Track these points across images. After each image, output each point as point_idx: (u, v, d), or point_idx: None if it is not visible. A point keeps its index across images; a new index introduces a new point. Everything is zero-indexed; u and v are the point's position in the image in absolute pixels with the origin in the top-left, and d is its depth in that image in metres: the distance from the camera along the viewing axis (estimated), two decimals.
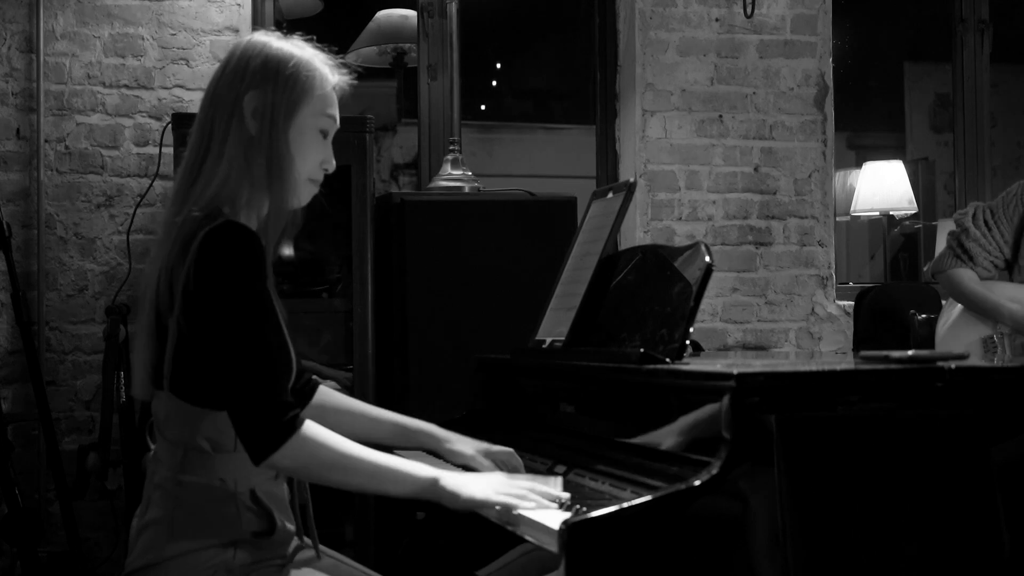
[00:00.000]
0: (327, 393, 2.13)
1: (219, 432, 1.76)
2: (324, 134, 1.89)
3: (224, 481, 1.78)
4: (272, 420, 1.68)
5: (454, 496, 1.77)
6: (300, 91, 1.84)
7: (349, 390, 3.35)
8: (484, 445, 2.11)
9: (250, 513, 1.79)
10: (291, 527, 1.87)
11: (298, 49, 1.88)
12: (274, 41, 1.88)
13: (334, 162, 1.92)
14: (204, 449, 1.78)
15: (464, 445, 2.12)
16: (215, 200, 1.79)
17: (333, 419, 2.02)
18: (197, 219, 1.75)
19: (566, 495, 1.78)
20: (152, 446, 1.91)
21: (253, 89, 1.82)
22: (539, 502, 1.74)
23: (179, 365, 1.76)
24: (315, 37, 1.94)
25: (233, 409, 1.71)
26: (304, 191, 1.88)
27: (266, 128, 1.81)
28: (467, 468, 2.04)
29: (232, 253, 1.72)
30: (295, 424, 1.69)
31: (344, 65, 1.94)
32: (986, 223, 3.34)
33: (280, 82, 1.82)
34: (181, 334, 1.73)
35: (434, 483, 1.77)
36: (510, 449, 2.10)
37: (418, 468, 1.80)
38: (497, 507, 1.75)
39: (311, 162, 1.87)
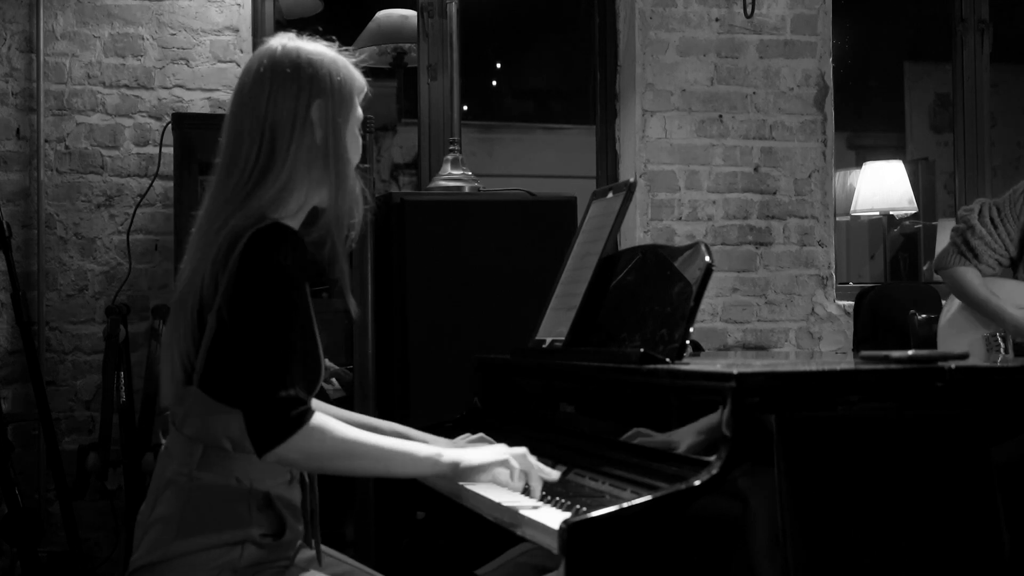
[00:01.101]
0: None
1: (242, 432, 1.76)
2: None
3: (240, 481, 1.79)
4: (278, 414, 1.69)
5: (456, 466, 1.83)
6: (350, 95, 1.90)
7: (349, 385, 3.36)
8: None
9: (261, 514, 1.80)
10: (300, 530, 1.88)
11: (334, 52, 1.92)
12: (308, 45, 1.91)
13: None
14: (224, 448, 1.79)
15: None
16: (268, 207, 1.81)
17: None
18: (248, 222, 1.78)
19: (557, 474, 1.89)
20: (163, 441, 1.91)
21: (318, 99, 1.86)
22: (534, 468, 1.85)
23: (211, 360, 1.78)
24: (334, 38, 1.97)
25: (242, 402, 1.73)
26: None
27: (331, 135, 1.86)
28: None
29: (274, 253, 1.75)
30: (302, 420, 1.70)
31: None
32: (992, 221, 3.33)
33: (336, 88, 1.88)
34: (218, 330, 1.76)
35: (437, 458, 1.83)
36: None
37: (420, 448, 1.88)
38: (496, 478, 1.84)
39: (357, 159, 1.94)
